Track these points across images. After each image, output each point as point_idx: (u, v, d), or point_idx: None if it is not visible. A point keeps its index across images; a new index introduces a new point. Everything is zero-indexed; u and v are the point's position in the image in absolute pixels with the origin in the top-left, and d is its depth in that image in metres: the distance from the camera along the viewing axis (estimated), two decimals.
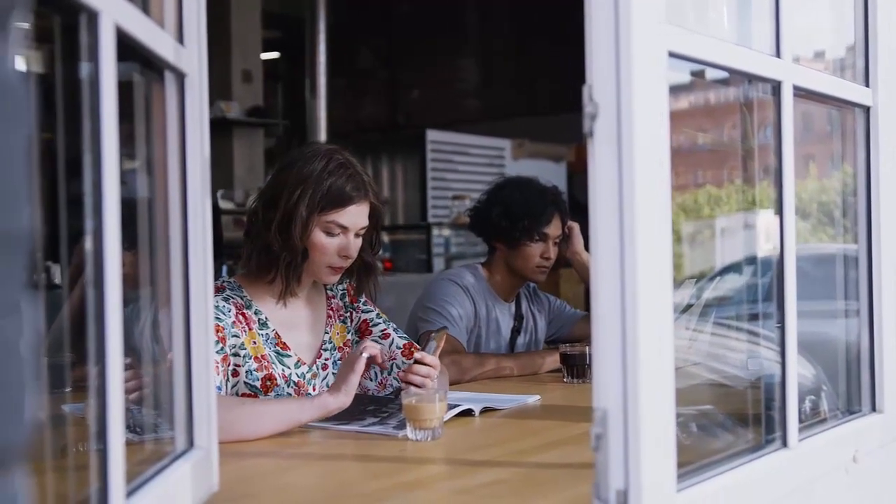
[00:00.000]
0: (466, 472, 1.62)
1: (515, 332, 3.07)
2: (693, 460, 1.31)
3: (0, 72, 0.54)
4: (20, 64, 0.57)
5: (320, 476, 1.63)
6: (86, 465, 1.12)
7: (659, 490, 1.16)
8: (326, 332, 2.28)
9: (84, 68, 0.98)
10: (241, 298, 2.16)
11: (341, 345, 2.30)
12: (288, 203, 2.09)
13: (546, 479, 1.56)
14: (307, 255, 2.13)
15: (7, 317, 0.53)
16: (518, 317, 3.08)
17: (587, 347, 2.60)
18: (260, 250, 2.14)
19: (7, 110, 0.54)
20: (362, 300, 2.36)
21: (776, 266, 1.49)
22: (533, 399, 2.29)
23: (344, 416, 1.98)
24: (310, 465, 1.71)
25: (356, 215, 2.15)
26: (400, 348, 2.28)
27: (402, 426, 1.86)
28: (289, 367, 2.16)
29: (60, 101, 1.03)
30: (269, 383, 2.11)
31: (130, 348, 1.16)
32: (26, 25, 0.60)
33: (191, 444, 1.34)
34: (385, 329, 2.33)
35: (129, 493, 1.07)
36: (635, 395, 1.13)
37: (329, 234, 2.13)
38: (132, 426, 1.29)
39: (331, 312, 2.31)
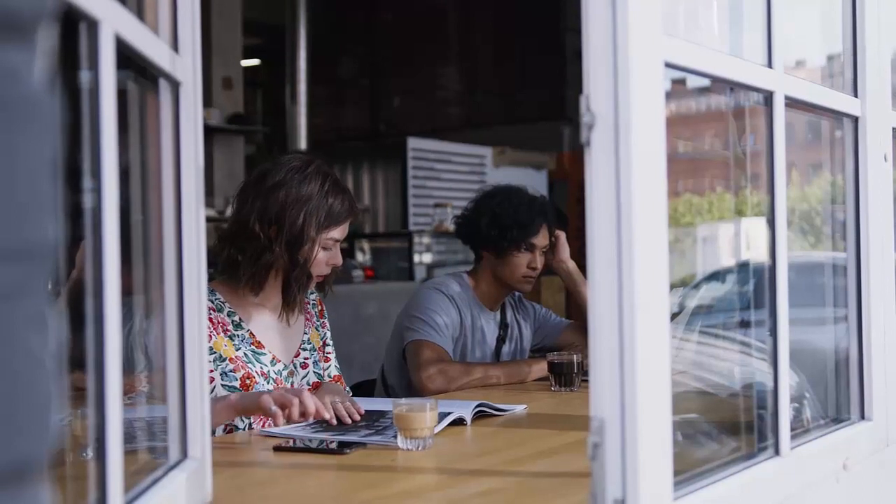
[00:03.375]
0: (459, 481, 1.62)
1: (501, 340, 3.07)
2: (687, 469, 1.31)
3: (28, 85, 0.54)
4: (46, 74, 0.57)
5: (313, 486, 1.62)
6: (77, 476, 1.11)
7: (656, 499, 1.16)
8: (306, 333, 2.36)
9: (83, 76, 0.98)
10: (212, 302, 2.19)
11: (319, 346, 2.39)
12: (294, 226, 2.16)
13: (539, 487, 1.56)
14: (311, 275, 2.22)
15: (33, 328, 0.53)
16: (503, 325, 3.08)
17: (574, 356, 2.61)
18: (264, 268, 2.19)
19: (37, 123, 0.54)
20: (325, 317, 2.46)
21: (768, 274, 1.50)
22: (521, 408, 2.30)
23: (339, 429, 1.98)
24: (302, 475, 1.70)
25: (347, 228, 2.28)
26: (331, 377, 2.37)
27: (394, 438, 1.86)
28: (266, 365, 2.22)
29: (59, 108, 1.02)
30: (248, 382, 2.17)
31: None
32: (52, 35, 0.59)
33: (184, 454, 1.33)
34: (330, 353, 2.45)
35: None
36: (633, 404, 1.13)
37: (325, 248, 2.23)
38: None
39: (308, 315, 2.39)
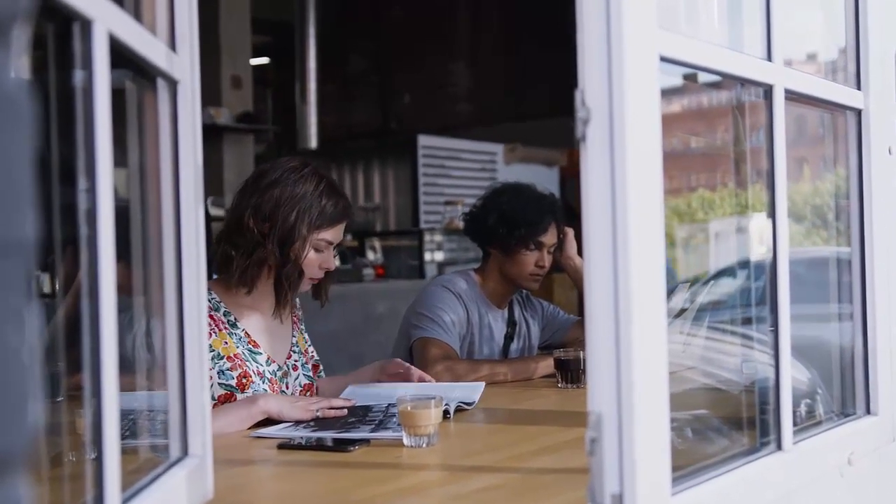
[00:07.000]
0: (462, 477, 1.62)
1: (509, 338, 3.06)
2: (688, 464, 1.31)
3: (4, 83, 0.55)
4: (22, 72, 0.57)
5: (315, 483, 1.63)
6: (77, 475, 1.11)
7: (654, 494, 1.16)
8: (293, 336, 2.40)
9: (77, 75, 0.98)
10: (209, 301, 2.21)
11: (304, 350, 2.42)
12: (286, 222, 2.19)
13: (541, 483, 1.56)
14: (302, 273, 2.23)
15: (10, 324, 0.53)
16: (511, 323, 3.08)
17: (581, 352, 2.60)
18: (255, 263, 2.21)
19: (11, 120, 0.55)
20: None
21: (770, 269, 1.50)
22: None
23: (338, 427, 1.97)
24: (304, 472, 1.70)
25: (341, 231, 2.30)
26: (301, 387, 2.37)
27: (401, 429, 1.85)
28: (262, 365, 2.25)
29: (52, 108, 1.02)
30: (244, 381, 2.20)
31: (124, 357, 1.16)
32: (28, 34, 0.60)
33: (185, 451, 1.34)
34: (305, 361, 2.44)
35: (125, 502, 1.06)
36: (630, 399, 1.13)
37: (317, 250, 2.25)
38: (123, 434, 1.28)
39: (295, 320, 2.43)
